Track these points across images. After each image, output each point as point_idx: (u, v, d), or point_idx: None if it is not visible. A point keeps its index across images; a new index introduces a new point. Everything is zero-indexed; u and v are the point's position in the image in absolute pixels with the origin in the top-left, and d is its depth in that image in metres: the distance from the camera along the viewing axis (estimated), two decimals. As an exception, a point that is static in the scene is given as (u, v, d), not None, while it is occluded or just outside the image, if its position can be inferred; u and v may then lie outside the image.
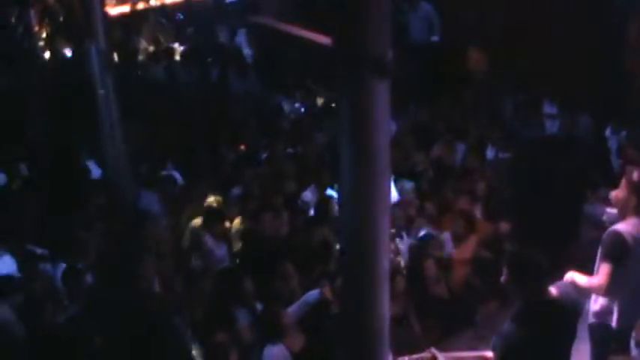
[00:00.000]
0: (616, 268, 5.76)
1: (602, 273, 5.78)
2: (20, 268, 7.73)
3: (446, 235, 8.60)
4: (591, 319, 6.21)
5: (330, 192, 9.35)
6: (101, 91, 8.36)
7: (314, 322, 7.17)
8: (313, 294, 7.30)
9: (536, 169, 9.25)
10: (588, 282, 5.83)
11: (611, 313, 6.04)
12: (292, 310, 7.22)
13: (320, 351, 6.86)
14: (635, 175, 5.80)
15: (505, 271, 5.13)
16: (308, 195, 9.48)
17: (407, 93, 11.51)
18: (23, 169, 10.08)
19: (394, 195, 9.33)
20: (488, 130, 11.22)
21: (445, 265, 8.10)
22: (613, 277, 5.78)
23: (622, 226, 5.80)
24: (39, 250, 8.06)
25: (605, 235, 5.89)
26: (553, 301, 5.05)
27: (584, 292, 5.84)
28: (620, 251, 5.74)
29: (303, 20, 13.04)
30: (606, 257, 5.79)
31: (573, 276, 5.80)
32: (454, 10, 12.94)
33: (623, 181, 5.93)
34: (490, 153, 10.56)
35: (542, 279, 5.04)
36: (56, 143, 10.71)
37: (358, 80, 4.35)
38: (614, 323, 6.05)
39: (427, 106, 12.06)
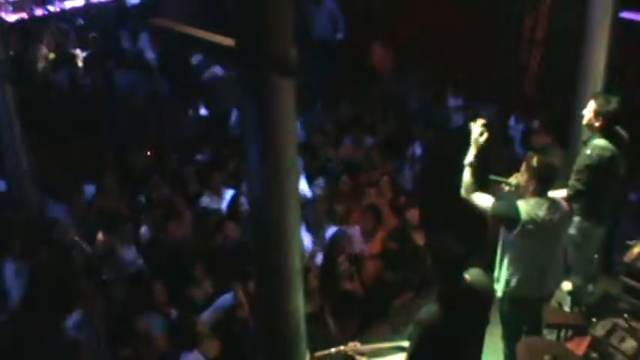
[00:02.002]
0: (504, 228, 6.09)
1: (490, 202, 6.09)
2: None
3: (355, 231, 8.65)
4: (500, 303, 6.39)
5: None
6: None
7: (228, 326, 7.12)
8: (227, 298, 7.24)
9: (443, 159, 9.41)
10: (480, 195, 6.18)
11: (513, 285, 6.24)
12: (206, 315, 7.15)
13: (236, 356, 6.84)
14: (534, 160, 6.02)
15: (429, 260, 5.30)
16: (206, 200, 9.38)
17: (313, 91, 11.55)
18: None
19: (308, 193, 9.37)
20: (397, 125, 11.34)
21: (356, 260, 8.15)
22: (503, 240, 6.12)
23: (521, 203, 6.02)
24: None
25: (506, 204, 6.14)
26: (468, 287, 5.20)
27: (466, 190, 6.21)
28: (512, 218, 5.96)
29: (206, 21, 13.00)
30: (496, 206, 6.08)
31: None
32: (357, 7, 13.06)
33: (524, 166, 6.13)
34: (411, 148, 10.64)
35: (457, 266, 5.18)
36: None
37: (261, 79, 4.36)
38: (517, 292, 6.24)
39: (334, 103, 12.08)
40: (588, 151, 6.79)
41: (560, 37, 10.53)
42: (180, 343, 6.66)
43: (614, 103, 6.73)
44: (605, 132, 6.79)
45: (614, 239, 7.97)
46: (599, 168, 6.73)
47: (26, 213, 8.78)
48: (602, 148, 6.74)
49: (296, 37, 4.39)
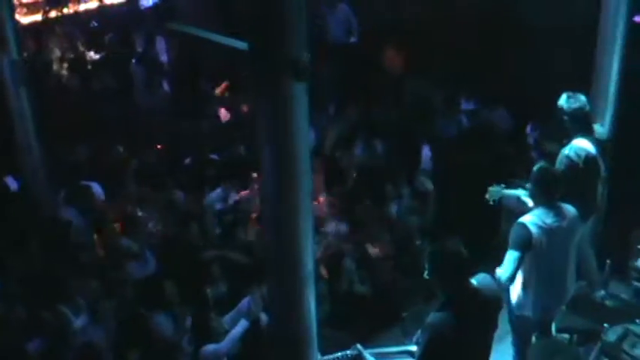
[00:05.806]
0: (521, 257, 5.97)
1: (508, 261, 5.96)
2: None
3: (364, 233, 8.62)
4: (510, 311, 6.36)
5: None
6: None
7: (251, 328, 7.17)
8: (246, 303, 7.26)
9: (453, 164, 9.42)
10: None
11: (527, 304, 6.20)
12: (229, 317, 7.23)
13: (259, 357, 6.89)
14: (535, 168, 6.05)
15: (427, 265, 5.20)
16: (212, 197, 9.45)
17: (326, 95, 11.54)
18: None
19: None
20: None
21: (367, 263, 8.15)
22: (519, 266, 5.99)
23: (527, 218, 5.99)
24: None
25: (513, 227, 6.09)
26: (475, 293, 5.17)
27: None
28: (524, 242, 5.92)
29: (220, 25, 13.00)
30: (512, 247, 5.98)
31: None
32: (370, 10, 13.03)
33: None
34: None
35: (463, 271, 5.15)
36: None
37: (275, 83, 4.38)
38: (530, 313, 6.21)
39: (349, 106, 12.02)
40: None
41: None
42: (196, 339, 6.81)
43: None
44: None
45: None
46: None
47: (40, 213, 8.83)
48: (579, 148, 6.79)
49: (309, 41, 4.41)
